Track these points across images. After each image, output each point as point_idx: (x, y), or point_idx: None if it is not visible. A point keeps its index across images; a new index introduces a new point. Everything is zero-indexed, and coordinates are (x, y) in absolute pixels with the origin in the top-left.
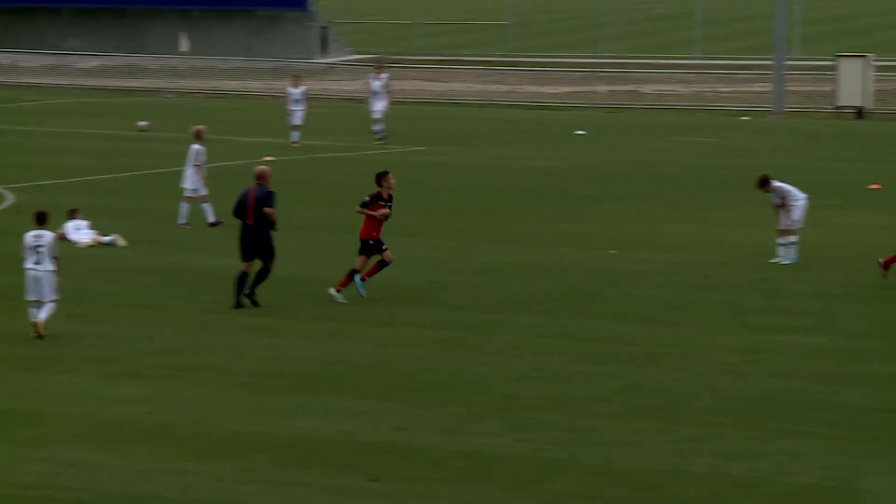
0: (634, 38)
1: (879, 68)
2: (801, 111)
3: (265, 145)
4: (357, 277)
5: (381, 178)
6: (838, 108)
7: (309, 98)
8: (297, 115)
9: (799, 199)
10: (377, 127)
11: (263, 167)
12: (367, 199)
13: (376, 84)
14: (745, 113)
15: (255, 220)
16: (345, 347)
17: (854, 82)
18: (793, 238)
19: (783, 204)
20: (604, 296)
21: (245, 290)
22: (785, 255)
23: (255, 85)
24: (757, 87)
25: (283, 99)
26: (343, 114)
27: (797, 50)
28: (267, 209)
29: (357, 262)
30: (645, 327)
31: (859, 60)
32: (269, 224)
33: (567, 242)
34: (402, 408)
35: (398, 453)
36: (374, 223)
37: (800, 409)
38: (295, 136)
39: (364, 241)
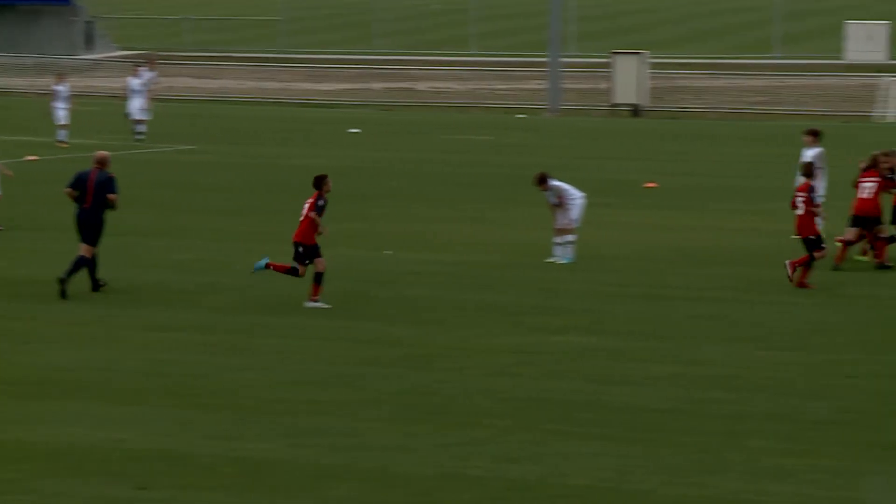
0: (409, 35)
1: (655, 66)
2: (578, 109)
3: (29, 144)
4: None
5: (321, 181)
6: (614, 105)
7: (75, 95)
8: (63, 113)
9: (576, 197)
10: (139, 127)
11: (104, 152)
12: (322, 203)
13: (135, 82)
14: (521, 111)
15: (92, 204)
16: (110, 353)
17: (629, 80)
18: (570, 237)
19: (560, 203)
20: (377, 297)
21: (62, 275)
22: (562, 255)
23: (17, 81)
24: (533, 85)
25: (47, 96)
26: (110, 112)
27: (573, 47)
28: (110, 196)
29: (319, 264)
30: (418, 329)
31: (635, 58)
32: (110, 207)
33: (341, 243)
34: (170, 414)
35: (167, 460)
36: (315, 227)
37: (574, 410)
38: (62, 134)
39: (304, 245)
